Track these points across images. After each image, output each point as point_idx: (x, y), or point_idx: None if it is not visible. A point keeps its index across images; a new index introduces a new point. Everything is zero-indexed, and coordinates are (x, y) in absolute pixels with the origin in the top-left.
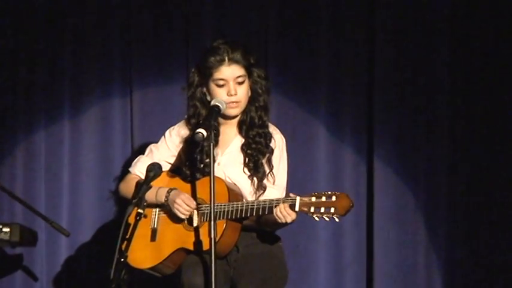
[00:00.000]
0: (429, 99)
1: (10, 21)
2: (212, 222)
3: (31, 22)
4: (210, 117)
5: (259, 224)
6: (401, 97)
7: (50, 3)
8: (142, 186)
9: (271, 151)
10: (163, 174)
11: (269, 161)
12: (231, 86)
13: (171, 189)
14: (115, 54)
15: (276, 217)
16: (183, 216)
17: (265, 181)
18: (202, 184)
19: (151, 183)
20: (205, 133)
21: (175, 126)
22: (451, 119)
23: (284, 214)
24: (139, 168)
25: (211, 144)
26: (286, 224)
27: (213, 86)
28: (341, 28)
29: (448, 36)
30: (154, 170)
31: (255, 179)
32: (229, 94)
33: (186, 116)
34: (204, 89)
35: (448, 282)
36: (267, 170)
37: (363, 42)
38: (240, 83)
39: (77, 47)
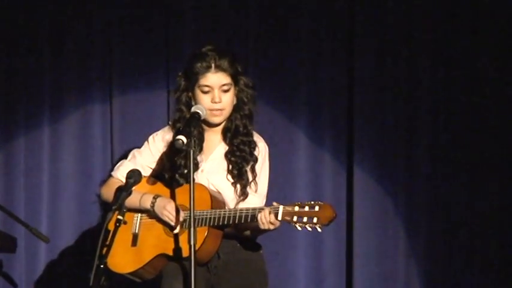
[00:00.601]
0: (409, 105)
1: None
2: (192, 229)
3: (9, 28)
4: (189, 123)
5: (239, 230)
6: (381, 104)
7: (28, 8)
8: (122, 192)
9: (255, 159)
10: (144, 180)
11: (252, 169)
12: (215, 93)
13: (157, 196)
14: (95, 59)
15: (260, 223)
16: (173, 223)
17: (247, 188)
18: (184, 191)
19: (132, 189)
20: (185, 140)
21: (160, 132)
22: (431, 125)
23: (267, 220)
24: (121, 173)
25: (191, 151)
26: (267, 230)
27: (197, 92)
28: (321, 35)
29: (429, 42)
30: (134, 176)
31: (238, 186)
32: (213, 101)
33: (170, 122)
34: (190, 94)
35: None
36: (250, 178)
37: (343, 49)
38: (225, 91)
39: (56, 52)
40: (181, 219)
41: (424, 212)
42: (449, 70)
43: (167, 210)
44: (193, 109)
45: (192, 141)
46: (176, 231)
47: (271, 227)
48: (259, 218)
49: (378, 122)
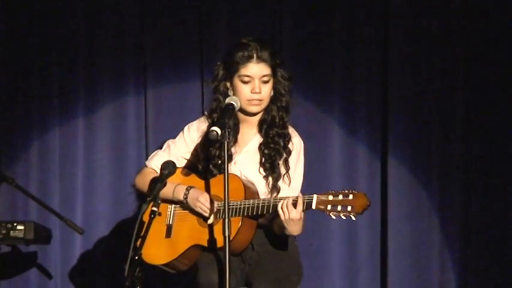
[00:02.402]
0: (444, 98)
1: (23, 20)
2: (226, 220)
3: (44, 20)
4: (224, 115)
5: (270, 222)
6: (416, 96)
7: (63, 1)
8: (157, 184)
9: (289, 152)
10: (178, 170)
11: (286, 163)
12: (256, 83)
13: (190, 187)
14: (129, 51)
15: (280, 212)
16: (206, 214)
17: (280, 182)
18: (218, 181)
19: (166, 180)
20: (219, 131)
21: (195, 122)
22: (466, 118)
23: (289, 210)
24: (155, 163)
25: (225, 142)
26: (289, 230)
27: (237, 82)
28: (355, 28)
29: (463, 35)
30: (168, 168)
31: (270, 179)
32: (253, 91)
33: (206, 112)
34: (228, 84)
35: (462, 282)
36: (283, 171)
37: (377, 42)
38: (265, 82)
39: (91, 44)
40: (214, 209)
41: (459, 202)
42: (486, 58)
43: (200, 201)
44: (227, 100)
45: (227, 132)
46: (210, 221)
47: (292, 215)
48: (279, 207)
49: (413, 113)
